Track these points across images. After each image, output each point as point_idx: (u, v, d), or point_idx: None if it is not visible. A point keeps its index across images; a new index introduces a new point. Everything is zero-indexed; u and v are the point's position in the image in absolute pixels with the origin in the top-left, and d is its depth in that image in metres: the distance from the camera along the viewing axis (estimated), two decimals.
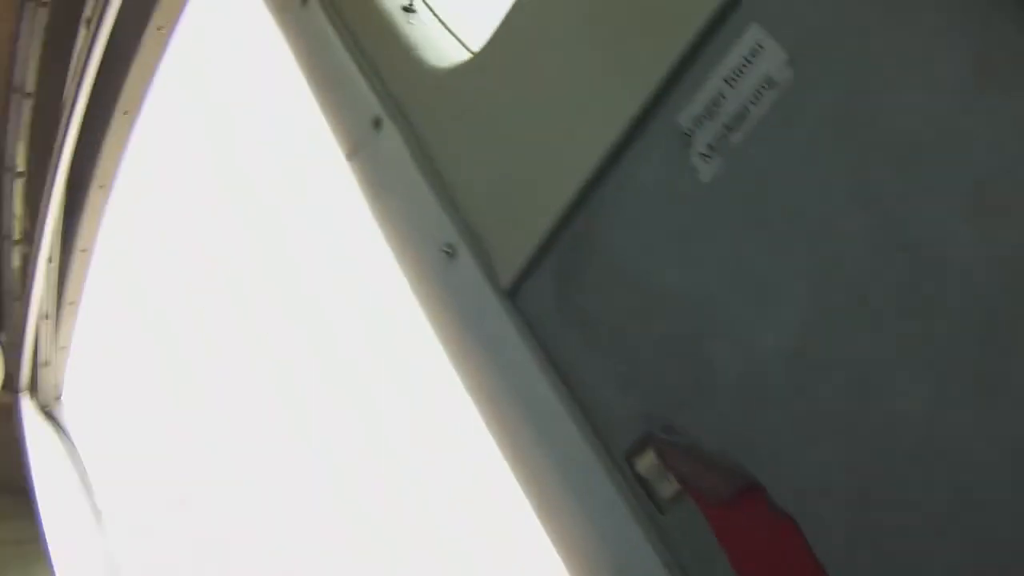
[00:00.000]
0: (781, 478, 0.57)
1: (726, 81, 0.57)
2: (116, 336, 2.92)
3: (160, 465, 2.92)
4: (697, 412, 0.62)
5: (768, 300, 0.58)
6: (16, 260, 2.75)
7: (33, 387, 2.95)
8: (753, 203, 0.59)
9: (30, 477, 2.73)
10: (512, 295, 0.80)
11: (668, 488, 0.63)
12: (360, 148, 1.01)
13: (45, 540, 2.63)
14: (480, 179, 0.88)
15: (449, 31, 0.99)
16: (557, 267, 0.76)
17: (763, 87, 0.55)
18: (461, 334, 0.87)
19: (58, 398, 3.11)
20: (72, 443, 3.05)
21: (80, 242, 2.55)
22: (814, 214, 0.55)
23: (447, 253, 0.86)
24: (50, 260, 2.51)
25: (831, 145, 0.54)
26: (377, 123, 0.97)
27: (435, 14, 1.00)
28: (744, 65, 0.57)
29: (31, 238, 2.61)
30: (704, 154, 0.59)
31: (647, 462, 0.65)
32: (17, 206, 2.66)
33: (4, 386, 3.03)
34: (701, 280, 0.62)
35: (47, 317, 2.72)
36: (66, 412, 3.11)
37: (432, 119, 0.94)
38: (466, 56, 0.92)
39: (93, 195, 2.43)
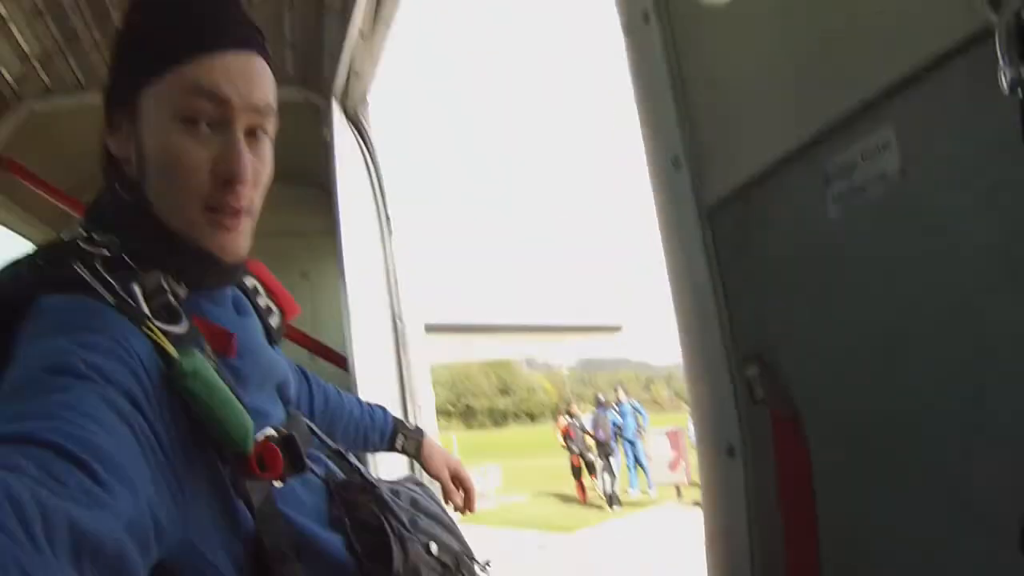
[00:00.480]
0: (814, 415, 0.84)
1: (861, 156, 0.73)
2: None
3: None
4: (788, 356, 0.88)
5: (850, 306, 0.78)
6: None
7: (345, 93, 3.19)
8: (851, 252, 0.77)
9: (333, 174, 2.95)
10: (710, 214, 0.99)
11: (759, 392, 0.92)
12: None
13: (340, 233, 2.89)
14: (713, 109, 0.99)
15: None
16: (743, 210, 0.93)
17: (879, 177, 0.72)
18: (672, 232, 1.05)
19: (364, 101, 3.37)
20: (372, 147, 3.40)
21: None
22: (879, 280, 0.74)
23: (673, 164, 1.02)
24: None
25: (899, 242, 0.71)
26: (645, 17, 1.06)
27: None
28: (874, 152, 0.72)
29: None
30: (835, 197, 0.77)
31: (752, 370, 0.93)
32: None
33: (318, 90, 3.30)
34: (813, 275, 0.83)
35: (363, 33, 2.90)
36: (370, 115, 3.40)
37: (691, 34, 1.01)
38: None
39: None
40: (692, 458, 16.62)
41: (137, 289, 0.88)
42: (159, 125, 0.92)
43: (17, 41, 3.03)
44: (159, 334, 0.84)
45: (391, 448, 1.57)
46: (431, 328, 3.65)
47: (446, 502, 1.60)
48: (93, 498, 0.58)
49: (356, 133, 3.40)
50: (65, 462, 0.59)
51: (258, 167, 0.98)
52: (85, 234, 0.93)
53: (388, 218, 3.43)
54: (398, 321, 3.29)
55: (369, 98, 3.45)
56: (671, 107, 1.02)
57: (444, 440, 3.72)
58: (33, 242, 4.33)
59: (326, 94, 3.25)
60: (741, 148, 0.93)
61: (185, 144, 0.91)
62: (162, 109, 0.92)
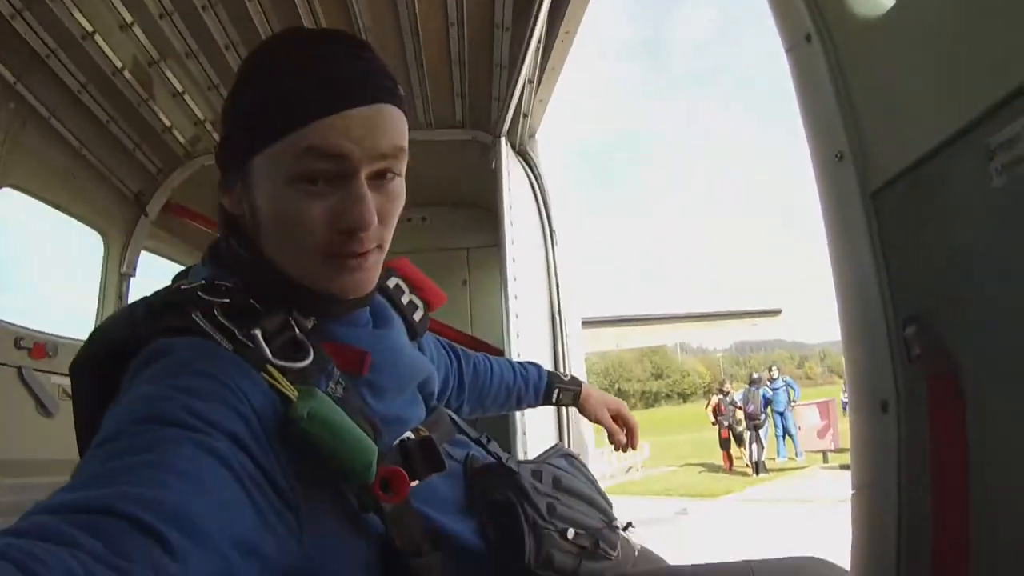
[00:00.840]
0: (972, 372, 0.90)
1: None
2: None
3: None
4: (947, 317, 0.94)
5: (1014, 267, 0.83)
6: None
7: (512, 131, 3.54)
8: (1015, 216, 0.81)
9: (500, 198, 3.29)
10: (873, 198, 1.05)
11: (916, 350, 0.98)
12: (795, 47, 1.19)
13: (504, 246, 3.20)
14: (874, 109, 1.07)
15: None
16: (906, 191, 0.99)
17: None
18: (835, 215, 1.12)
19: (532, 137, 3.77)
20: (539, 173, 3.78)
21: (565, 26, 2.96)
22: None
23: (837, 157, 1.10)
24: (538, 42, 2.93)
25: None
26: (808, 37, 1.15)
27: None
28: None
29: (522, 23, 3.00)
30: (998, 170, 0.82)
31: (910, 330, 0.98)
32: None
33: (487, 130, 3.70)
34: (976, 241, 0.88)
35: (531, 81, 3.26)
36: (538, 149, 3.79)
37: (852, 48, 1.10)
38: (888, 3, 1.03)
39: None
40: (842, 425, 16.33)
41: (259, 333, 0.88)
42: (273, 188, 0.90)
43: (191, 109, 3.55)
44: (277, 375, 0.85)
45: (547, 402, 1.58)
46: (587, 322, 3.88)
47: (610, 442, 1.63)
48: (160, 574, 0.58)
49: (524, 164, 3.73)
50: (138, 535, 0.58)
51: (387, 207, 0.94)
52: (205, 283, 0.92)
53: (552, 231, 3.78)
54: (556, 316, 3.59)
55: (538, 135, 3.82)
56: (835, 111, 1.10)
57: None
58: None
59: (494, 133, 3.60)
60: (902, 137, 0.99)
61: (302, 202, 0.88)
62: (277, 172, 0.89)
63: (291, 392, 0.84)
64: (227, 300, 0.90)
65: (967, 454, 0.89)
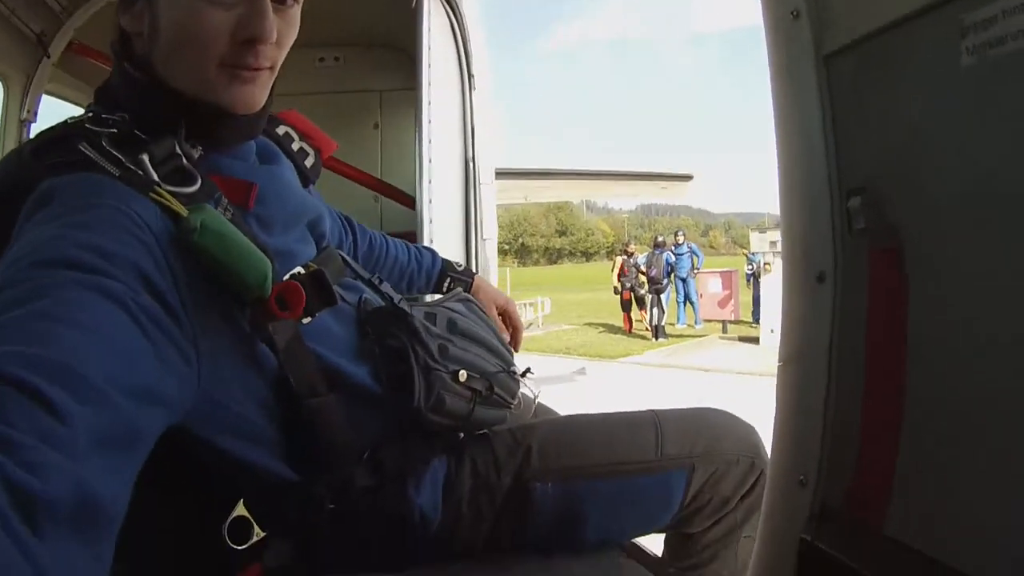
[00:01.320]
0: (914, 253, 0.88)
1: (1003, 13, 0.72)
2: None
3: None
4: (896, 192, 0.90)
5: (974, 152, 0.79)
6: None
7: None
8: (984, 103, 0.77)
9: (419, 39, 3.10)
10: (827, 60, 0.98)
11: (859, 222, 0.94)
12: None
13: (421, 89, 3.06)
14: None
15: None
16: (865, 57, 0.93)
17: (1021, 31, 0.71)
18: (784, 76, 1.05)
19: None
20: (461, 15, 3.50)
21: None
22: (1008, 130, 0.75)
23: (793, 15, 1.01)
24: None
25: None
26: None
27: None
28: (1017, 8, 0.71)
29: None
30: (969, 49, 0.76)
31: (854, 202, 0.94)
32: None
33: None
34: (936, 120, 0.84)
35: None
36: None
37: None
38: None
39: None
40: (743, 297, 17.58)
41: (145, 158, 0.89)
42: (165, 22, 0.92)
43: None
44: (167, 196, 0.85)
45: (437, 290, 1.57)
46: (498, 173, 3.85)
47: None
48: (46, 440, 0.56)
49: (445, 3, 3.45)
50: (22, 398, 0.57)
51: (284, 30, 0.97)
52: (91, 116, 0.94)
53: (471, 76, 3.60)
54: (470, 163, 3.49)
55: None
56: None
57: (498, 275, 3.87)
58: None
59: None
60: (866, 1, 0.92)
61: (206, 10, 0.90)
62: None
63: (182, 210, 0.85)
64: (114, 131, 0.91)
65: (905, 331, 0.88)
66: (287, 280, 0.92)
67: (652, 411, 1.29)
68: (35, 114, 3.74)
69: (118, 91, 1.00)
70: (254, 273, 0.86)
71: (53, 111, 3.90)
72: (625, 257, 18.69)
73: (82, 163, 0.87)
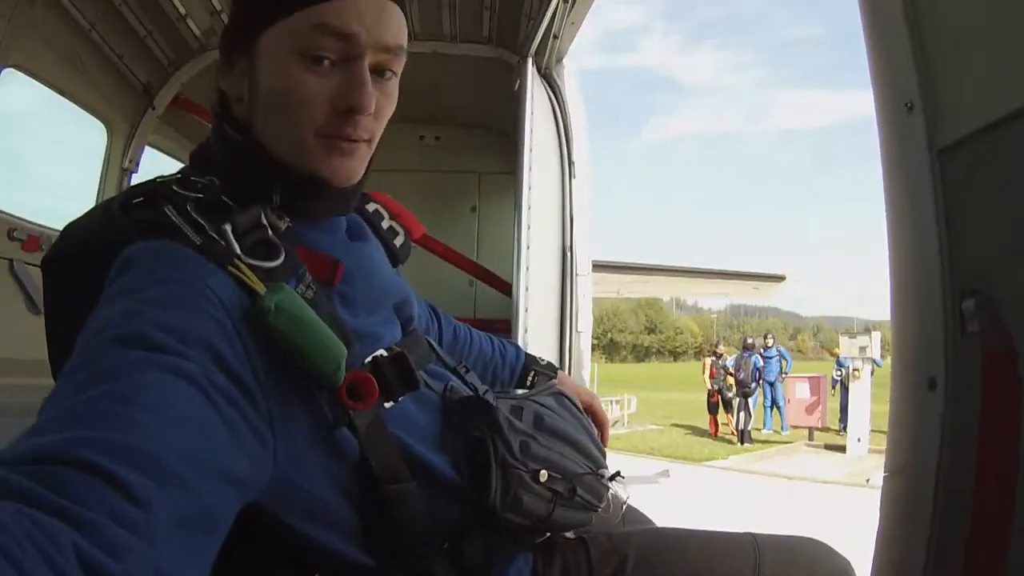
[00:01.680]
0: None
1: None
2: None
3: None
4: (1011, 293, 0.86)
5: None
6: None
7: (540, 52, 3.34)
8: None
9: (521, 123, 3.12)
10: (940, 155, 0.96)
11: (973, 326, 0.90)
12: None
13: (522, 173, 3.05)
14: (952, 56, 0.97)
15: None
16: (978, 152, 0.91)
17: None
18: (898, 172, 1.04)
19: (560, 61, 3.56)
20: (564, 100, 3.57)
21: None
22: None
23: (907, 107, 1.00)
24: None
25: None
26: None
27: None
28: None
29: None
30: None
31: (968, 303, 0.90)
32: None
33: (512, 49, 3.53)
34: None
35: (566, 1, 3.03)
36: (565, 74, 3.59)
37: None
38: None
39: None
40: (831, 403, 16.85)
41: (228, 228, 0.88)
42: (279, 60, 0.92)
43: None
44: (246, 271, 0.84)
45: (521, 384, 1.50)
46: (594, 265, 3.81)
47: None
48: (123, 524, 0.57)
49: (548, 89, 3.53)
50: (96, 483, 0.57)
51: (382, 101, 0.96)
52: (179, 177, 0.94)
53: (572, 162, 3.59)
54: (568, 253, 3.44)
55: (566, 59, 3.62)
56: (908, 56, 0.99)
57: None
58: None
59: (521, 53, 3.41)
60: (981, 93, 0.90)
61: (305, 77, 0.91)
62: (283, 45, 0.91)
63: (259, 287, 0.83)
64: (200, 195, 0.91)
65: (1020, 443, 0.82)
66: (359, 370, 0.89)
67: (751, 534, 1.21)
68: (137, 164, 3.85)
69: (215, 152, 1.02)
70: (328, 360, 0.83)
71: (156, 164, 4.04)
72: (714, 358, 18.28)
73: (165, 227, 0.87)
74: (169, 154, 4.39)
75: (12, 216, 3.01)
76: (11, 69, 2.88)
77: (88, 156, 3.73)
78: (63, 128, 3.60)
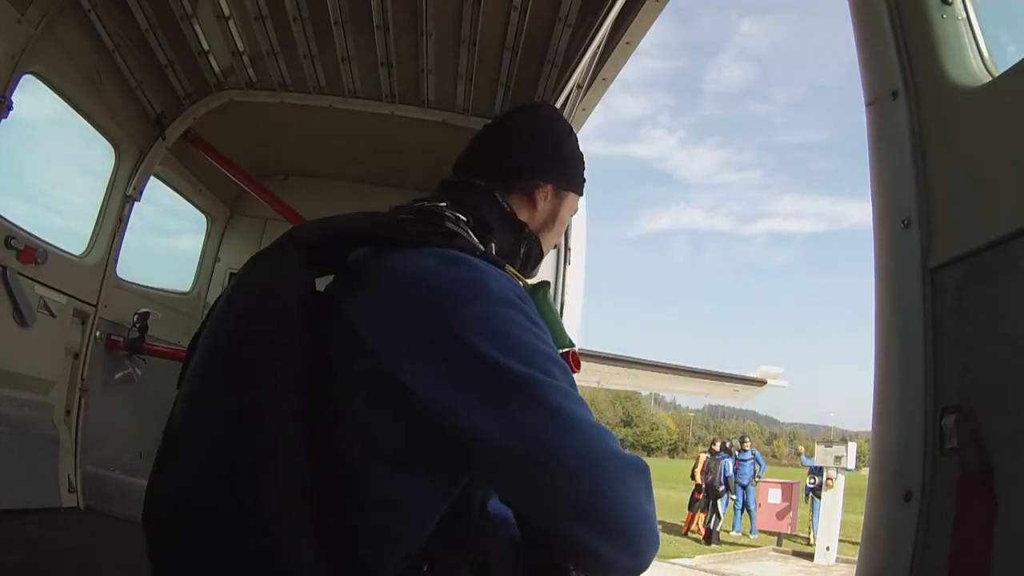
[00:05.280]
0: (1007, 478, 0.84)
1: None
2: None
3: None
4: (992, 413, 0.88)
5: None
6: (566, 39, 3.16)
7: None
8: None
9: None
10: (933, 273, 1.00)
11: (951, 442, 0.92)
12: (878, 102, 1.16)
13: None
14: (950, 177, 1.02)
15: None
16: (969, 272, 0.95)
17: None
18: (890, 286, 1.07)
19: None
20: None
21: (628, 36, 2.91)
22: None
23: (904, 224, 1.05)
24: (598, 46, 2.89)
25: None
26: (894, 94, 1.12)
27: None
28: None
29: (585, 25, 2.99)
30: None
31: (948, 420, 0.92)
32: None
33: None
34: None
35: (580, 86, 3.18)
36: None
37: (940, 113, 1.06)
38: (985, 77, 1.02)
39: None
40: (801, 510, 16.73)
41: (493, 245, 1.32)
42: (550, 215, 1.48)
43: (232, 36, 3.46)
44: (514, 272, 1.22)
45: None
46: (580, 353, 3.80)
47: None
48: None
49: None
50: None
51: None
52: (444, 205, 1.30)
53: (568, 249, 3.71)
54: None
55: None
56: (909, 174, 1.05)
57: None
58: (202, 211, 4.93)
59: None
60: (977, 215, 0.95)
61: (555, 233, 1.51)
62: (565, 210, 1.50)
63: (524, 281, 1.24)
64: (465, 219, 1.29)
65: (990, 560, 0.84)
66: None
67: None
68: (140, 193, 3.90)
69: (489, 218, 1.36)
70: (565, 339, 1.25)
71: (154, 193, 4.09)
72: (709, 456, 17.96)
73: (453, 235, 1.24)
74: (173, 187, 4.46)
75: (12, 224, 3.01)
76: (30, 76, 2.93)
77: (92, 176, 3.77)
78: (73, 144, 3.64)
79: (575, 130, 3.53)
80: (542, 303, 1.21)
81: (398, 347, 1.01)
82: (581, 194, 1.54)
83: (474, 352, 0.97)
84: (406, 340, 1.02)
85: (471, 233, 1.26)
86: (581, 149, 1.58)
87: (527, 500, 0.98)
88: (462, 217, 1.27)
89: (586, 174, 1.57)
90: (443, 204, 1.29)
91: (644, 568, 0.99)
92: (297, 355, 1.03)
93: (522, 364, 0.97)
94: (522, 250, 1.42)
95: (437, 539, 1.04)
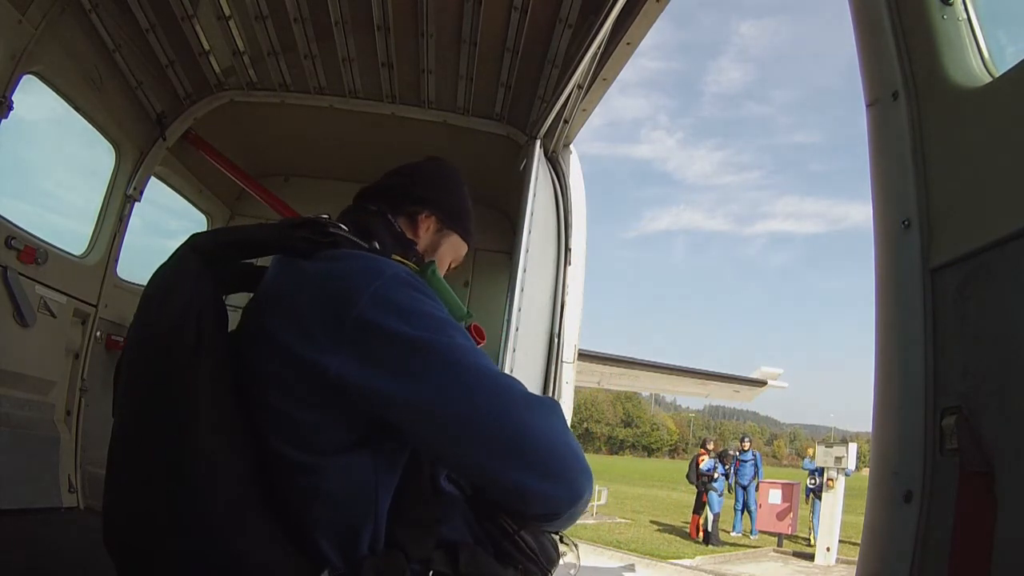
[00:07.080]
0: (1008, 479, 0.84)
1: None
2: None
3: None
4: (992, 414, 0.88)
5: None
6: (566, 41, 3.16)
7: (548, 134, 3.47)
8: None
9: (523, 204, 3.21)
10: (933, 274, 1.00)
11: (951, 442, 0.92)
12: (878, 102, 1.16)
13: (518, 254, 3.13)
14: (951, 178, 1.02)
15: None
16: (969, 273, 0.95)
17: None
18: (891, 287, 1.08)
19: (567, 146, 3.67)
20: (567, 185, 3.66)
21: (628, 37, 2.89)
22: None
23: (904, 225, 1.05)
24: (599, 46, 2.87)
25: None
26: (895, 95, 1.13)
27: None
28: None
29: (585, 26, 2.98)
30: None
31: (948, 421, 0.93)
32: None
33: (522, 129, 3.68)
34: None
35: (580, 87, 3.17)
36: (570, 160, 3.69)
37: (940, 114, 1.06)
38: (985, 78, 1.03)
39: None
40: (801, 511, 16.84)
41: (376, 243, 1.43)
42: (439, 248, 1.67)
43: (233, 37, 3.45)
44: (402, 259, 1.46)
45: None
46: (580, 353, 3.80)
47: None
48: None
49: (552, 172, 3.65)
50: None
51: None
52: (327, 217, 1.37)
53: (568, 249, 3.70)
54: (555, 338, 3.52)
55: (572, 145, 3.75)
56: (910, 175, 1.06)
57: None
58: (203, 211, 4.90)
59: (530, 133, 3.54)
60: (978, 216, 0.95)
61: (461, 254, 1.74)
62: (447, 248, 1.68)
63: (411, 266, 1.47)
64: (345, 227, 1.37)
65: (991, 560, 0.84)
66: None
67: None
68: (141, 194, 3.89)
69: (379, 234, 1.52)
70: (460, 311, 1.46)
71: (155, 192, 4.08)
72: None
73: (343, 240, 1.32)
74: (173, 187, 4.43)
75: (12, 224, 3.00)
76: (31, 76, 2.92)
77: (92, 176, 3.75)
78: (73, 144, 3.63)
79: (575, 130, 3.65)
80: (432, 279, 1.45)
81: (316, 343, 1.12)
82: (467, 243, 1.73)
83: (382, 329, 1.11)
84: (323, 334, 1.13)
85: (353, 237, 1.35)
86: (471, 207, 1.77)
87: (459, 455, 1.11)
88: (342, 225, 1.37)
89: (471, 227, 1.75)
90: (326, 217, 1.40)
91: (580, 496, 1.13)
92: (209, 349, 1.14)
93: (427, 331, 1.11)
94: (413, 260, 1.55)
95: (397, 523, 1.15)
